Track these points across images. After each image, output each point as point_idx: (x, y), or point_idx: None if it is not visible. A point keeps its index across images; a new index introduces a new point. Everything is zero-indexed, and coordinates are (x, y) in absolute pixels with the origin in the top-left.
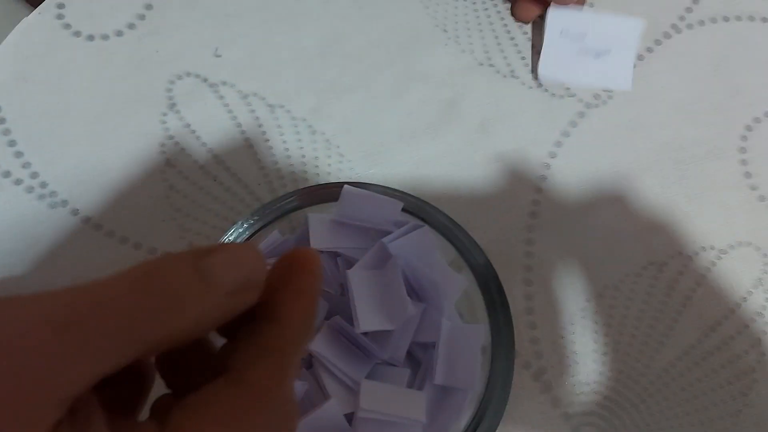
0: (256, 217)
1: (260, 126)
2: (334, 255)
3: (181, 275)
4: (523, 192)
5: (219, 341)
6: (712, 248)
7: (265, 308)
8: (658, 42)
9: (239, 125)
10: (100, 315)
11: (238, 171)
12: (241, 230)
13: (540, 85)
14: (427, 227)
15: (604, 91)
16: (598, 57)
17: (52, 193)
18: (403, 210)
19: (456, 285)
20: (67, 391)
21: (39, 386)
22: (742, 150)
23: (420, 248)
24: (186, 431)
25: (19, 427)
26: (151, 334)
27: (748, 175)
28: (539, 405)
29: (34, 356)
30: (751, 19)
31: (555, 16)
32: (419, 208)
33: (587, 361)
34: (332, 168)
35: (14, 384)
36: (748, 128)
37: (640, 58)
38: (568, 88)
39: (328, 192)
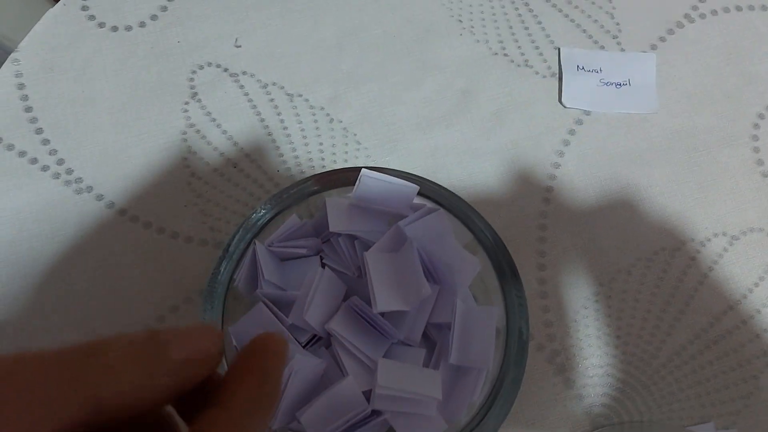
0: (274, 202)
1: (279, 114)
2: (352, 238)
3: (134, 342)
4: (537, 179)
5: None
6: (724, 234)
7: (214, 393)
8: (670, 32)
9: (259, 114)
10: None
11: (258, 158)
12: (260, 215)
13: (554, 74)
14: (442, 211)
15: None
16: (620, 87)
17: (78, 180)
18: (420, 194)
19: (471, 267)
20: None
21: None
22: (755, 138)
23: (435, 231)
24: None
25: None
26: (98, 393)
27: (760, 162)
28: (553, 386)
29: None
30: (764, 8)
31: (568, 55)
32: (435, 192)
33: (600, 344)
34: (349, 155)
35: None
36: (761, 116)
37: (653, 47)
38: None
39: (346, 176)
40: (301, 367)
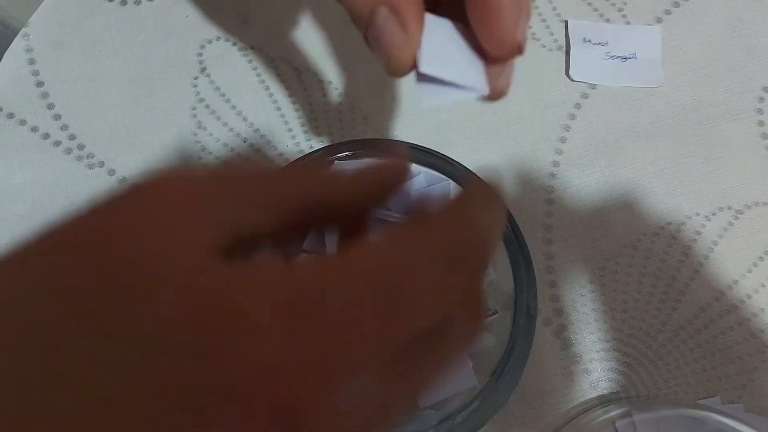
0: None
1: (287, 89)
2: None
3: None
4: (543, 153)
5: None
6: (729, 208)
7: None
8: (676, 4)
9: (267, 88)
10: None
11: (267, 132)
12: None
13: (560, 47)
14: (450, 182)
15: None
16: (625, 61)
17: (90, 155)
18: (430, 167)
19: None
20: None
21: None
22: (760, 111)
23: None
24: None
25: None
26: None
27: (765, 135)
28: (560, 361)
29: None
30: None
31: (575, 27)
32: (445, 163)
33: (607, 318)
34: (357, 130)
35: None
36: (766, 89)
37: (658, 21)
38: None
39: (354, 146)
40: None
